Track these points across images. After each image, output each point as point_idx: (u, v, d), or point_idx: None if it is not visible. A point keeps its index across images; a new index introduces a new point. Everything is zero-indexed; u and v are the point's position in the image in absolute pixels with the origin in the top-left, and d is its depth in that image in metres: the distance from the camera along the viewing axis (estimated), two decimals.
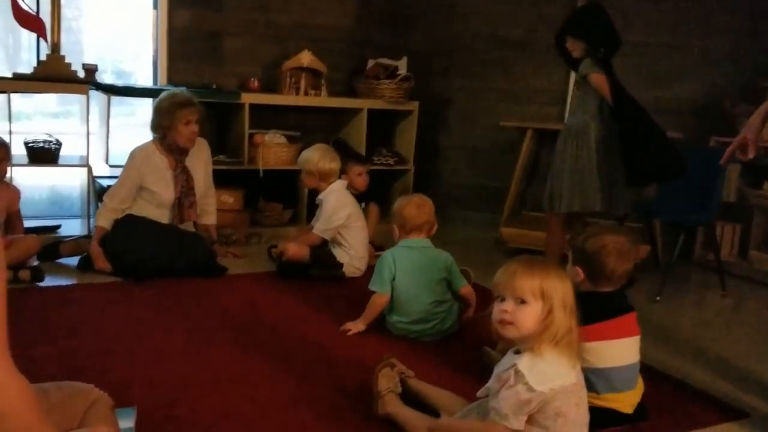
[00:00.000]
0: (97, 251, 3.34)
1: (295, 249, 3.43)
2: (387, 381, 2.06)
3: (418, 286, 2.69)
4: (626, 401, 2.05)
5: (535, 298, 1.62)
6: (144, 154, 3.48)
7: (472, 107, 5.03)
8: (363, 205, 3.85)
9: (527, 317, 1.62)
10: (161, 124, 3.45)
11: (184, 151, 3.53)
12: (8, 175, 3.41)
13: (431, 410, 2.00)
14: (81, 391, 1.42)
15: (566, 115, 4.71)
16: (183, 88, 3.98)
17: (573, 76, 4.61)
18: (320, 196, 3.55)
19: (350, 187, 3.77)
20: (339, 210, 3.47)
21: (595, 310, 1.96)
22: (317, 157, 3.52)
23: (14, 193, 3.30)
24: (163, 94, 3.53)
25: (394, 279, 2.70)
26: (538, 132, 4.48)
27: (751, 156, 2.32)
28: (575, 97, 3.55)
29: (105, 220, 3.42)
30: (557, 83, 4.75)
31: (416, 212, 2.75)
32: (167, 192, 3.48)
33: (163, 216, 3.50)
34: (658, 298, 3.49)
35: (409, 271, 2.69)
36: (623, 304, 2.12)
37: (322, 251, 3.48)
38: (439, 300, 2.72)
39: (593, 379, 1.97)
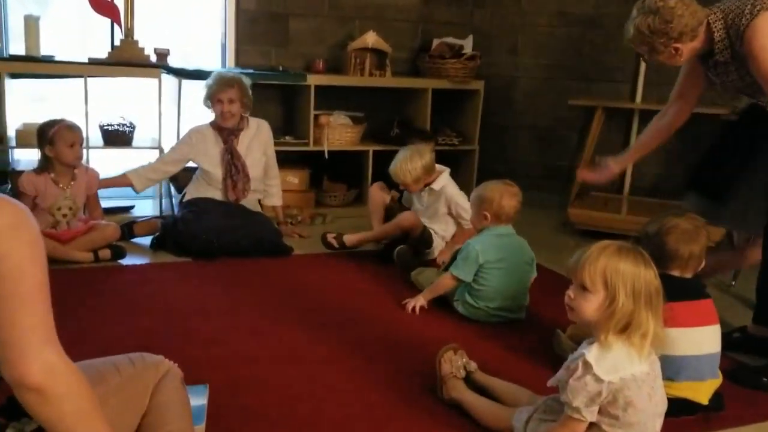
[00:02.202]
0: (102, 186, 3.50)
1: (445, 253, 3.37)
2: (449, 366, 2.06)
3: (511, 274, 2.71)
4: (703, 391, 2.00)
5: (596, 286, 1.58)
6: (199, 135, 3.63)
7: (538, 86, 4.93)
8: None
9: (587, 305, 1.59)
10: (204, 100, 3.62)
11: (232, 130, 3.61)
12: (84, 157, 3.54)
13: (498, 403, 1.99)
14: (151, 364, 1.46)
15: (639, 94, 4.58)
16: (249, 70, 4.05)
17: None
18: (434, 187, 3.42)
19: None
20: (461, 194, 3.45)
21: (664, 291, 1.92)
22: (416, 160, 3.35)
23: (92, 175, 3.42)
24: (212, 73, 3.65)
25: (479, 268, 2.70)
26: (607, 111, 4.36)
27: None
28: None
29: (135, 173, 3.58)
30: (628, 60, 4.60)
31: (514, 202, 2.75)
32: (217, 170, 3.60)
33: (217, 194, 3.62)
34: (733, 282, 3.37)
35: (501, 261, 2.70)
36: (697, 289, 2.06)
37: (427, 232, 3.44)
38: (526, 287, 2.77)
39: (669, 366, 1.92)
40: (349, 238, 3.50)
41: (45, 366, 1.08)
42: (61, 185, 3.27)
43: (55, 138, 3.19)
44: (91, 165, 3.62)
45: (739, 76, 2.38)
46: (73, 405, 1.13)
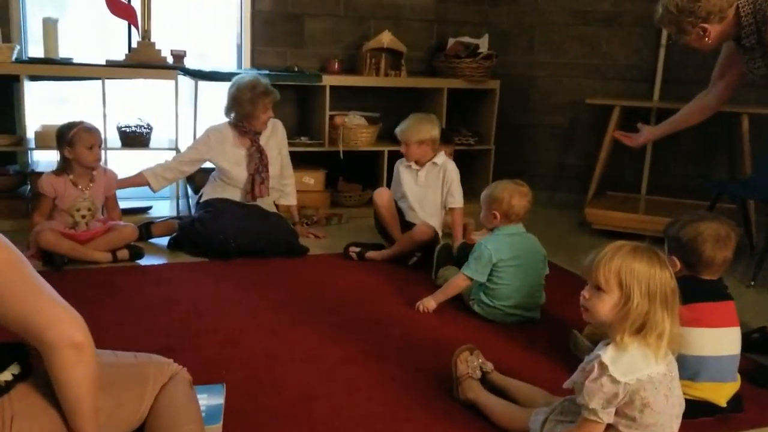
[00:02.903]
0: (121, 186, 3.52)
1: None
2: (465, 366, 2.06)
3: (525, 273, 2.71)
4: (722, 393, 1.98)
5: (611, 287, 1.57)
6: (219, 135, 3.63)
7: (555, 84, 4.90)
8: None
9: (601, 305, 1.59)
10: (240, 111, 3.57)
11: (259, 132, 3.64)
12: (102, 159, 3.57)
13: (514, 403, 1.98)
14: (156, 362, 1.48)
15: (656, 92, 4.54)
16: (264, 71, 4.06)
17: (662, 52, 4.45)
18: (436, 161, 3.45)
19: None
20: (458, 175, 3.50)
21: (689, 293, 1.90)
22: (428, 125, 3.42)
23: (111, 177, 3.45)
24: (240, 84, 3.58)
25: (493, 267, 2.70)
26: (624, 110, 4.33)
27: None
28: None
29: (150, 171, 3.59)
30: (646, 59, 4.57)
31: (524, 202, 2.76)
32: (239, 171, 3.60)
33: (235, 195, 3.63)
34: (752, 282, 3.33)
35: (515, 258, 2.70)
36: (720, 291, 2.04)
37: (437, 236, 3.45)
38: (541, 284, 2.77)
39: (689, 366, 1.91)
40: (371, 255, 3.45)
41: (83, 326, 1.22)
42: (80, 186, 3.30)
43: (74, 140, 3.22)
44: (109, 166, 3.64)
45: (764, 63, 2.35)
46: (95, 369, 1.25)
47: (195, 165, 3.69)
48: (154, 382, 1.46)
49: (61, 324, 1.19)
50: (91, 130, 3.28)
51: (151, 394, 1.45)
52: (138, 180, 3.61)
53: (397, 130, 3.48)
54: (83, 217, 3.27)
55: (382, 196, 3.54)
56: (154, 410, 1.43)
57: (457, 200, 3.46)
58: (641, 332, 1.56)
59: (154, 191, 3.67)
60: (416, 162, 3.48)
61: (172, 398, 1.44)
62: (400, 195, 3.56)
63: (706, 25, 2.29)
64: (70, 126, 3.23)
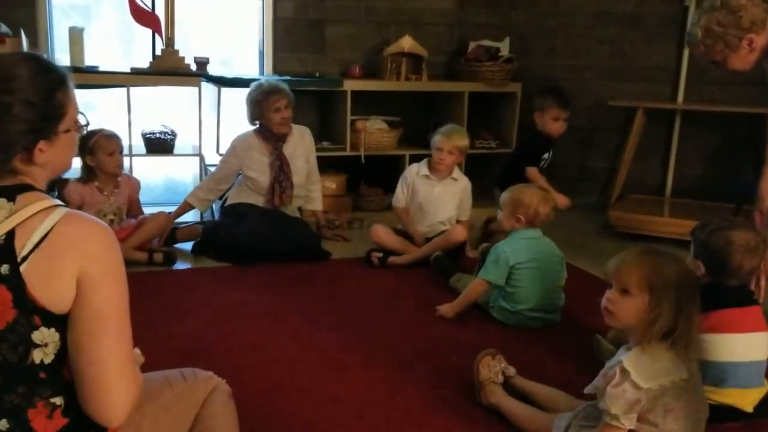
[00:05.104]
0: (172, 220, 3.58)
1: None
2: (488, 371, 2.05)
3: (543, 275, 2.71)
4: (748, 398, 1.96)
5: (640, 290, 1.57)
6: (244, 144, 3.65)
7: (577, 87, 4.87)
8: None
9: (628, 309, 1.58)
10: (254, 113, 3.63)
11: (281, 137, 3.65)
12: (126, 165, 3.62)
13: (537, 408, 1.98)
14: (202, 380, 1.49)
15: (680, 94, 4.49)
16: (286, 77, 4.10)
17: (686, 53, 4.40)
18: (455, 176, 3.55)
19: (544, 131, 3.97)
20: None
21: (715, 299, 1.89)
22: (463, 133, 3.59)
23: (135, 183, 3.49)
24: (252, 86, 3.65)
25: (511, 270, 2.70)
26: (647, 111, 4.29)
27: None
28: None
29: (194, 197, 3.69)
30: (669, 60, 4.53)
31: (549, 210, 2.78)
32: (264, 177, 3.62)
33: (258, 201, 3.66)
34: None
35: (533, 261, 2.71)
36: (747, 296, 2.02)
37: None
38: (560, 285, 2.77)
39: (714, 372, 1.89)
40: (393, 261, 3.43)
41: (127, 407, 1.20)
42: (105, 193, 3.35)
43: (94, 148, 3.27)
44: (135, 172, 3.70)
45: None
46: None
47: (231, 179, 3.72)
48: (201, 401, 1.47)
49: (104, 408, 1.19)
50: (111, 137, 3.32)
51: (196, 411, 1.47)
52: (185, 207, 3.70)
53: (439, 137, 3.48)
54: (111, 221, 3.32)
55: (377, 233, 3.52)
56: (194, 426, 1.45)
57: (467, 214, 3.60)
58: (668, 337, 1.55)
59: (202, 212, 3.81)
60: (437, 173, 3.50)
61: (212, 410, 1.46)
62: (412, 205, 3.58)
63: (752, 36, 2.26)
64: (89, 134, 3.27)
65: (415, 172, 3.57)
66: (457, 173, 3.56)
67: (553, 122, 3.94)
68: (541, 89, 4.21)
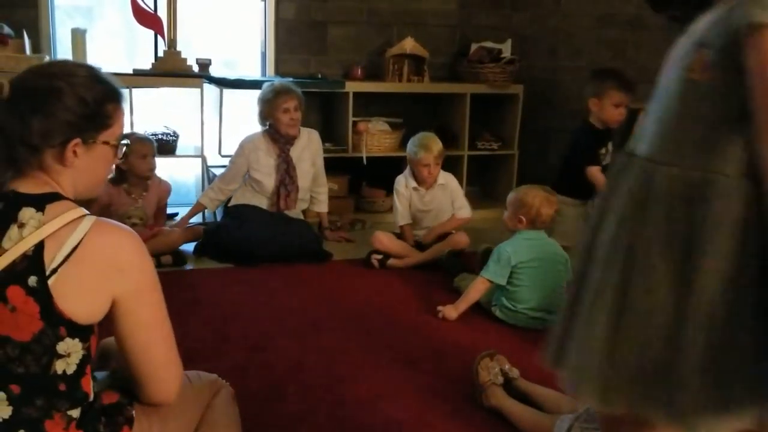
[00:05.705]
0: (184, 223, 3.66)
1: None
2: (487, 373, 2.05)
3: (545, 274, 2.72)
4: None
5: None
6: (252, 145, 3.66)
7: (579, 89, 4.85)
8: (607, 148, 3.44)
9: None
10: (263, 112, 3.63)
11: (289, 139, 3.65)
12: (156, 167, 3.59)
13: (539, 410, 1.98)
14: (207, 383, 1.51)
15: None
16: (289, 79, 4.10)
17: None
18: (441, 181, 3.57)
19: (600, 121, 3.40)
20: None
21: None
22: (436, 138, 3.56)
23: (165, 188, 3.49)
24: (264, 86, 3.67)
25: (512, 270, 2.72)
26: None
27: None
28: (678, 99, 1.25)
29: (206, 197, 3.70)
30: None
31: (551, 211, 2.81)
32: (269, 180, 3.63)
33: (262, 203, 3.66)
34: None
35: (534, 260, 2.73)
36: None
37: None
38: (562, 286, 2.74)
39: None
40: (393, 263, 3.45)
41: (178, 388, 1.31)
42: (133, 196, 3.34)
43: (127, 150, 3.26)
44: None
45: None
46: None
47: (239, 180, 3.72)
48: (206, 404, 1.48)
49: (161, 392, 1.31)
50: (145, 140, 3.33)
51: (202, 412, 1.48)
52: (197, 208, 3.75)
53: (418, 151, 3.45)
54: (134, 225, 3.30)
55: (380, 240, 3.50)
56: (198, 428, 1.45)
57: (466, 210, 3.59)
58: None
59: (212, 212, 3.87)
60: (426, 184, 3.52)
61: (215, 412, 1.47)
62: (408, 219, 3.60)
63: None
64: (122, 136, 3.27)
65: (404, 185, 3.58)
66: (442, 178, 3.57)
67: (614, 109, 3.36)
68: (594, 72, 3.68)
